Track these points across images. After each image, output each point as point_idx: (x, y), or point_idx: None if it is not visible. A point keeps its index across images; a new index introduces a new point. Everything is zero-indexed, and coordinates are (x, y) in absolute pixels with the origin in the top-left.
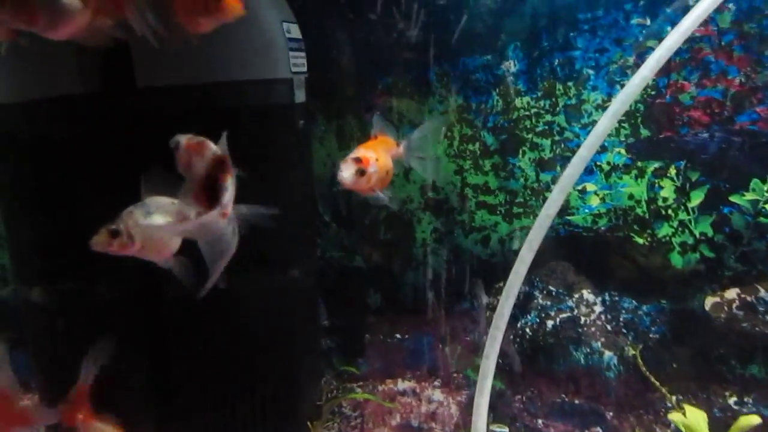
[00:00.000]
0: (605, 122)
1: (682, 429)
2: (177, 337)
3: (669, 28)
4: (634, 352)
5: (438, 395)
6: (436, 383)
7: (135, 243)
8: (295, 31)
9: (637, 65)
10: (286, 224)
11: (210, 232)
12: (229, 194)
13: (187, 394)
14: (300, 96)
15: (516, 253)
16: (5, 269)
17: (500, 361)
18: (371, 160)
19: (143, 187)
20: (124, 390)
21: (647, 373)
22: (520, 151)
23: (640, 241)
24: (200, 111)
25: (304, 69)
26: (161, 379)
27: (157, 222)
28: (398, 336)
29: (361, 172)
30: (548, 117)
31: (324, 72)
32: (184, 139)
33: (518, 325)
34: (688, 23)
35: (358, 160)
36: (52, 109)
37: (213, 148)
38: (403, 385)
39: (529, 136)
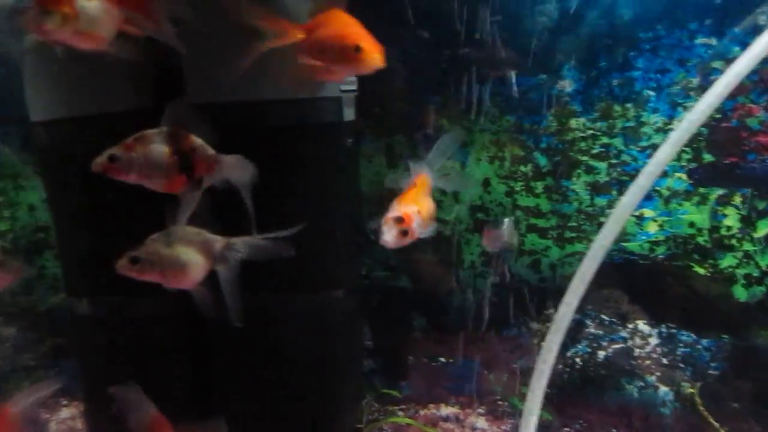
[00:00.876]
0: (666, 150)
1: None
2: (219, 355)
3: (736, 49)
4: (691, 389)
5: (482, 423)
6: (480, 410)
7: (155, 270)
8: None
9: (702, 87)
10: (332, 243)
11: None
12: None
13: (226, 413)
14: (349, 114)
15: (569, 279)
16: (57, 279)
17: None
18: (413, 214)
19: (168, 215)
20: (163, 407)
21: (705, 411)
22: (575, 174)
23: (701, 271)
24: (250, 128)
25: (354, 87)
26: (201, 397)
27: (177, 252)
28: (442, 360)
29: (404, 233)
30: (605, 139)
31: (374, 90)
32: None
33: (568, 354)
34: (760, 48)
35: (399, 220)
36: (105, 124)
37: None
38: (446, 410)
39: (584, 158)
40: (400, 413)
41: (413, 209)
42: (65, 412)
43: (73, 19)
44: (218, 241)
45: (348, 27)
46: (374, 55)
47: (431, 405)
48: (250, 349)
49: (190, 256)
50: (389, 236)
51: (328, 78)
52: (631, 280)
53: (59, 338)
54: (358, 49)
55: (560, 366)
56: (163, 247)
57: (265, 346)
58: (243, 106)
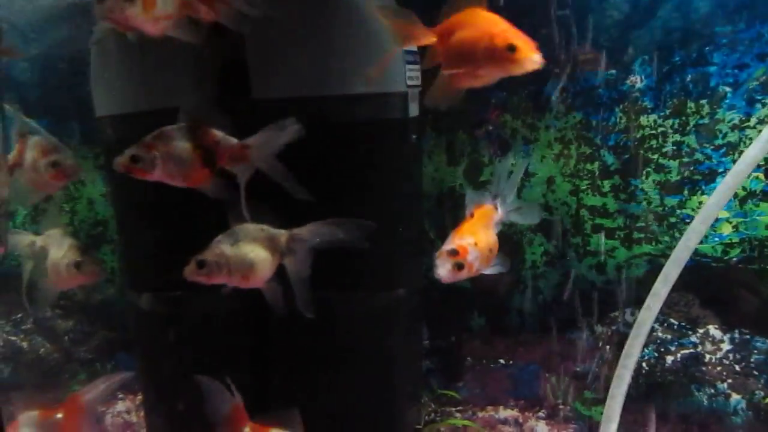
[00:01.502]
0: (757, 148)
1: None
2: (279, 352)
3: None
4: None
5: (542, 427)
6: (540, 414)
7: (223, 272)
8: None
9: None
10: (395, 242)
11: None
12: None
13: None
14: (414, 110)
15: (637, 282)
16: (114, 273)
17: None
18: (469, 247)
19: (230, 216)
20: None
21: None
22: (644, 173)
23: None
24: (314, 124)
25: (419, 82)
26: (260, 393)
27: (244, 251)
28: (501, 361)
29: (459, 267)
30: (677, 137)
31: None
32: None
33: None
34: None
35: (453, 253)
36: (170, 119)
37: None
38: (504, 413)
39: (655, 156)
40: (458, 415)
41: (470, 241)
42: (120, 406)
43: (152, 5)
44: (283, 235)
45: (495, 25)
46: (530, 55)
47: (489, 407)
48: (310, 346)
49: (257, 254)
50: (443, 270)
51: (471, 84)
52: (703, 283)
53: (112, 331)
54: (511, 48)
55: None
56: (229, 247)
57: (325, 344)
58: (308, 101)
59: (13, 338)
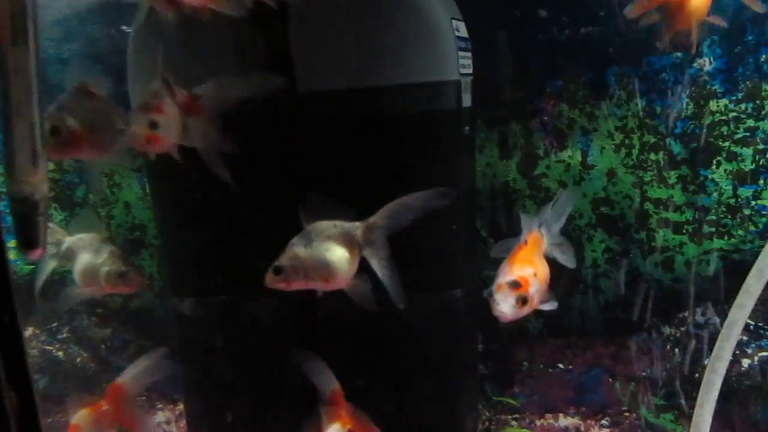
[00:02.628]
0: None
1: None
2: (329, 354)
3: None
4: None
5: None
6: (603, 422)
7: (300, 277)
8: (463, 30)
9: None
10: (452, 240)
11: None
12: None
13: None
14: (467, 100)
15: (708, 279)
16: (153, 278)
17: None
18: (530, 278)
19: (302, 216)
20: (269, 408)
21: None
22: (714, 162)
23: None
24: (364, 116)
25: (471, 71)
26: (311, 399)
27: (319, 251)
28: (561, 366)
29: (523, 301)
30: (751, 122)
31: (487, 74)
32: None
33: (705, 362)
34: None
35: (515, 285)
36: None
37: None
38: (565, 421)
39: (726, 144)
40: (515, 423)
41: (529, 271)
42: (161, 416)
43: None
44: (358, 227)
45: None
46: None
47: (548, 415)
48: (362, 350)
49: (333, 253)
50: (506, 306)
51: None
52: None
53: (151, 339)
54: None
55: (696, 375)
56: (303, 249)
57: (379, 348)
58: (357, 92)
59: (49, 348)
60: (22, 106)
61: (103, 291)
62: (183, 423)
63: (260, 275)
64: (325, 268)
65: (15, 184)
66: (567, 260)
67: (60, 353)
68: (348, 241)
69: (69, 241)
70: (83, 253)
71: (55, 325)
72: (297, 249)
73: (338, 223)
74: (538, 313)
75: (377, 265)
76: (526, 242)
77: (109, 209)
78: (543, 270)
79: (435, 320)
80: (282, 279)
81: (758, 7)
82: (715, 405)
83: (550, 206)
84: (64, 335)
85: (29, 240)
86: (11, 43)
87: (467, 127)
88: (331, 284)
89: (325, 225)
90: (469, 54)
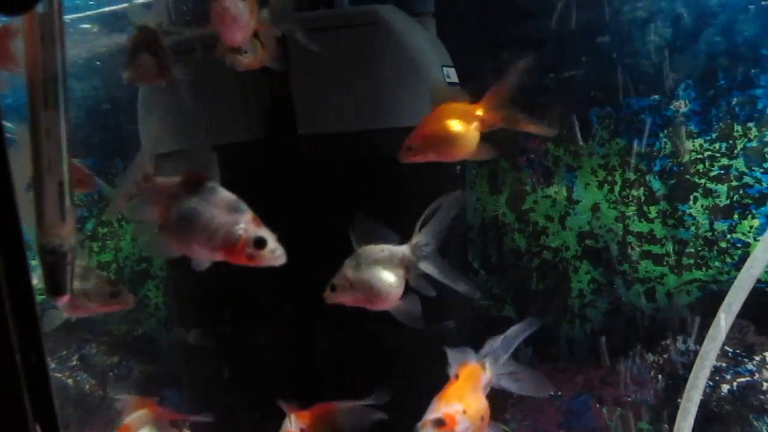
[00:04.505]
0: None
1: None
2: (328, 385)
3: None
4: None
5: None
6: None
7: (349, 295)
8: (453, 75)
9: None
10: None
11: None
12: None
13: None
14: None
15: (688, 309)
16: (159, 308)
17: None
18: (457, 415)
19: (353, 238)
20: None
21: None
22: (691, 197)
23: None
24: (360, 157)
25: None
26: None
27: (366, 275)
28: (551, 393)
29: None
30: (725, 161)
31: None
32: None
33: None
34: None
35: (439, 423)
36: (221, 156)
37: None
38: None
39: (702, 180)
40: None
41: (457, 408)
42: None
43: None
44: (404, 248)
45: None
46: None
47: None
48: (361, 378)
49: (379, 276)
50: None
51: None
52: (759, 310)
53: (156, 366)
54: None
55: (678, 401)
56: (352, 271)
57: (376, 376)
58: (353, 135)
59: (59, 375)
60: (53, 165)
61: (93, 311)
62: None
63: (262, 306)
64: (370, 291)
65: (44, 236)
66: (525, 390)
67: (69, 380)
68: (394, 263)
69: None
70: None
71: (64, 353)
72: (348, 270)
73: (386, 247)
74: (527, 342)
75: (437, 275)
76: (457, 377)
77: (117, 242)
78: (476, 406)
79: (429, 350)
80: (334, 296)
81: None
82: (691, 431)
83: (498, 339)
84: (73, 363)
85: (57, 287)
86: (43, 107)
87: (458, 166)
88: (377, 305)
89: (373, 249)
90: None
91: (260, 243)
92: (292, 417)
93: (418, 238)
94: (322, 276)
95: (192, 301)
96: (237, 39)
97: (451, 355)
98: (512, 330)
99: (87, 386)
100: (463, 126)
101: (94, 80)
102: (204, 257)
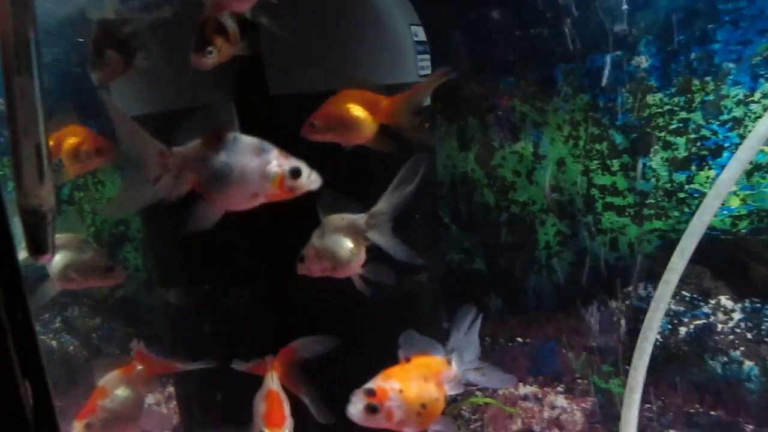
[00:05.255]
0: (766, 123)
1: None
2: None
3: None
4: None
5: (561, 401)
6: (559, 389)
7: (316, 264)
8: (421, 34)
9: None
10: (413, 227)
11: None
12: None
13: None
14: (426, 99)
15: (649, 257)
16: (138, 270)
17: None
18: (391, 392)
19: (319, 209)
20: (252, 390)
21: None
22: (652, 150)
23: None
24: None
25: (430, 72)
26: None
27: (329, 242)
28: (519, 340)
29: (371, 409)
30: (683, 114)
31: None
32: None
33: None
34: None
35: (370, 393)
36: (189, 118)
37: None
38: (524, 390)
39: (662, 134)
40: (479, 393)
41: (394, 386)
42: (150, 398)
43: None
44: (361, 217)
45: None
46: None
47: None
48: (337, 334)
49: (340, 243)
50: (354, 409)
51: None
52: (713, 256)
53: (137, 327)
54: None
55: None
56: (317, 240)
57: (352, 331)
58: (323, 95)
59: (43, 337)
60: (29, 128)
61: (86, 284)
62: (173, 404)
63: (238, 265)
64: (333, 258)
65: (24, 197)
66: (495, 383)
67: (53, 342)
68: (353, 231)
69: None
70: (66, 251)
71: (47, 316)
72: (315, 240)
73: (345, 215)
74: (496, 294)
75: (387, 247)
76: (407, 359)
77: (94, 205)
78: (418, 392)
79: (402, 303)
80: (304, 267)
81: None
82: (646, 369)
83: (457, 330)
84: (57, 325)
85: (38, 247)
86: (16, 71)
87: (427, 124)
88: (340, 273)
89: (335, 218)
90: (427, 56)
91: (296, 173)
92: (274, 375)
93: (376, 208)
94: (294, 235)
95: (171, 262)
96: (244, 6)
97: (403, 338)
98: (461, 322)
99: (71, 347)
100: (363, 114)
101: (64, 44)
102: (246, 205)
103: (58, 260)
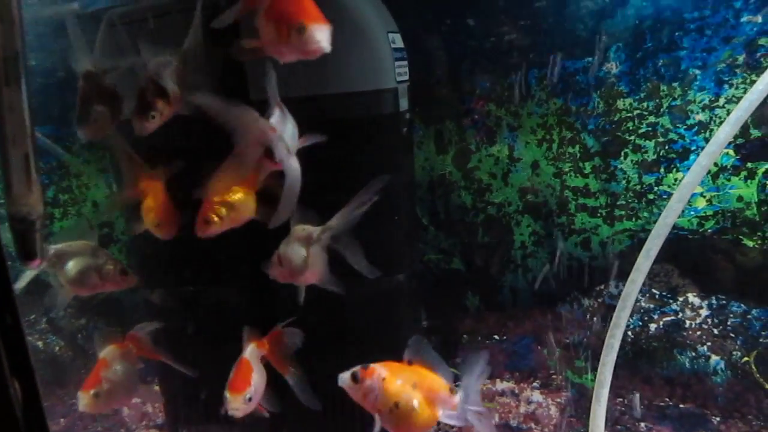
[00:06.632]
0: (726, 129)
1: None
2: None
3: None
4: (747, 358)
5: (537, 396)
6: (534, 384)
7: (280, 271)
8: (398, 41)
9: (748, 64)
10: (394, 230)
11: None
12: None
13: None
14: (404, 104)
15: (620, 256)
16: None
17: None
18: (375, 375)
19: (290, 219)
20: None
21: (761, 378)
22: (622, 153)
23: (750, 243)
24: (311, 122)
25: (407, 77)
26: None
27: (289, 250)
28: (496, 337)
29: (353, 377)
30: (652, 118)
31: (422, 78)
32: None
33: None
34: None
35: (364, 367)
36: (172, 122)
37: None
38: (501, 385)
39: (632, 138)
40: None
41: (382, 373)
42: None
43: None
44: (316, 230)
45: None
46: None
47: (487, 381)
48: (318, 332)
49: (297, 252)
50: (344, 374)
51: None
52: (681, 255)
53: (122, 327)
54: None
55: None
56: (283, 247)
57: (333, 330)
58: (304, 101)
59: (29, 338)
60: (18, 139)
61: (102, 289)
62: (157, 403)
63: (221, 267)
64: (293, 266)
65: (13, 206)
66: (483, 429)
67: (39, 343)
68: (308, 242)
69: (54, 249)
70: (80, 257)
71: (33, 317)
72: (282, 247)
73: (307, 227)
74: (474, 292)
75: (347, 257)
76: (409, 362)
77: (79, 207)
78: (399, 393)
79: (382, 302)
80: (272, 271)
81: None
82: (615, 364)
83: (470, 371)
84: (43, 326)
85: (28, 253)
86: (5, 83)
87: (405, 128)
88: (296, 278)
89: (298, 228)
90: (405, 63)
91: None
92: (251, 346)
93: (330, 223)
94: (273, 235)
95: (155, 264)
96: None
97: (412, 344)
98: (473, 366)
99: (57, 348)
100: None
101: (50, 48)
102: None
103: (73, 267)
